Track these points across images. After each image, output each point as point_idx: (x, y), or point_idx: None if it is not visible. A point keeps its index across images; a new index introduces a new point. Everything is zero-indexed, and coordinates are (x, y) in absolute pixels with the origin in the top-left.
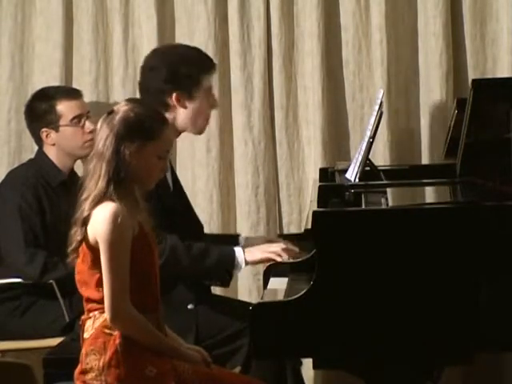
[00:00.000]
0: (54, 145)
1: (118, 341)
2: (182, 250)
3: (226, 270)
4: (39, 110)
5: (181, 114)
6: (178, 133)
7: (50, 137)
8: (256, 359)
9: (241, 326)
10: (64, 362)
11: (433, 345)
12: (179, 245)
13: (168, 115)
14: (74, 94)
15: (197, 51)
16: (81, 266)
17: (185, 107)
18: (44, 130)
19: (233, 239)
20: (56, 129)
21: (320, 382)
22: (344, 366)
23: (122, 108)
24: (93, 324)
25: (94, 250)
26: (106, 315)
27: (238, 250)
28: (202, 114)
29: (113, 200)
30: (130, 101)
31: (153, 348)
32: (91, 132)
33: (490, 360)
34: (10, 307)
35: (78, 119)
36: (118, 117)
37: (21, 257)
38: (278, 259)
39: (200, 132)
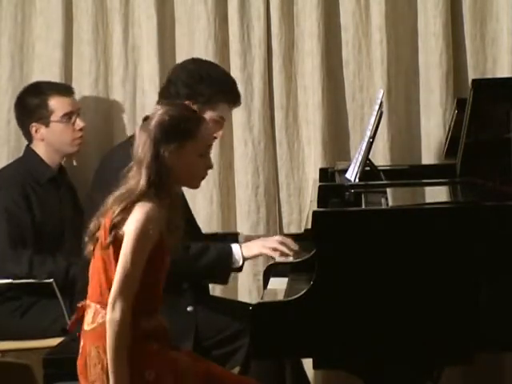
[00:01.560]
0: (43, 140)
1: None
2: (180, 250)
3: (225, 267)
4: (31, 105)
5: None
6: None
7: (39, 132)
8: (256, 359)
9: (240, 326)
10: (64, 361)
11: (433, 345)
12: (177, 246)
13: None
14: (67, 91)
15: (233, 81)
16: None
17: None
18: (34, 124)
19: (231, 237)
20: (46, 124)
21: (320, 382)
22: (344, 366)
23: (156, 113)
24: (93, 316)
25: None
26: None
27: (234, 247)
28: None
29: (152, 201)
30: (162, 104)
31: (108, 360)
32: (81, 129)
33: (490, 360)
34: (10, 307)
35: (68, 116)
36: (153, 122)
37: (7, 260)
38: (275, 254)
39: None
